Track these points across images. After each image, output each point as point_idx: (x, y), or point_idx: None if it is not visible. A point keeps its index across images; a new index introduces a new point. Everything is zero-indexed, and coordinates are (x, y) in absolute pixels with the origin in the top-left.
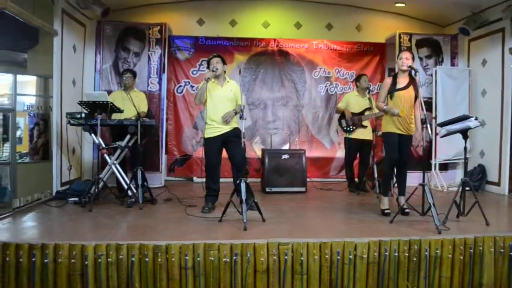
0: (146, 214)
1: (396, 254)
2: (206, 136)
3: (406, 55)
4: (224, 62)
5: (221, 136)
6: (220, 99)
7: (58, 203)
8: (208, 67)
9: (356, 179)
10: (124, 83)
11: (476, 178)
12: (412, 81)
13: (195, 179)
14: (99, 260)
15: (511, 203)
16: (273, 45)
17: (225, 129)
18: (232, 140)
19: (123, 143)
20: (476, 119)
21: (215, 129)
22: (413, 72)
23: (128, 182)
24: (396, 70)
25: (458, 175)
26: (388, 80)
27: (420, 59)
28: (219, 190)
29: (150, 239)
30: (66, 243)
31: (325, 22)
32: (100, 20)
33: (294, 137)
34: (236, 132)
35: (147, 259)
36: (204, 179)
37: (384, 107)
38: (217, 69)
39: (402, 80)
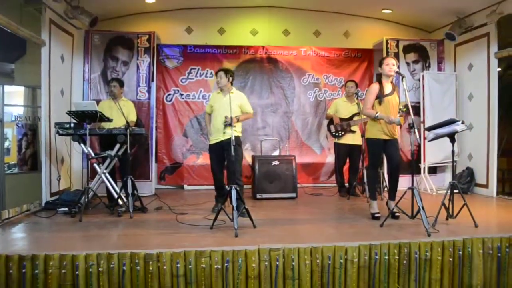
0: (136, 223)
1: (387, 257)
2: (209, 143)
3: (393, 61)
4: (228, 76)
5: (219, 143)
6: (222, 109)
7: (47, 214)
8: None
9: (346, 184)
10: (110, 92)
11: (465, 181)
12: (394, 87)
13: (185, 187)
14: (90, 269)
15: (499, 205)
16: (261, 53)
17: (223, 137)
18: (228, 148)
19: (112, 152)
20: (462, 122)
21: (215, 136)
22: (400, 77)
23: (118, 191)
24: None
25: (447, 178)
26: (376, 86)
27: (408, 64)
28: (223, 192)
29: (141, 248)
30: (57, 253)
31: (313, 29)
32: (88, 29)
33: (284, 143)
34: (236, 141)
35: (138, 267)
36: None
37: (377, 114)
38: (220, 83)
39: (387, 86)
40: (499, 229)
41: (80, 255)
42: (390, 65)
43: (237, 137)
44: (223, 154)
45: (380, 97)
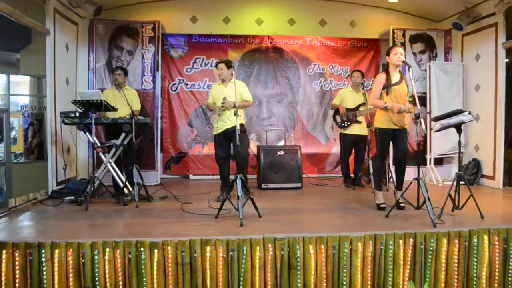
0: (142, 212)
1: (392, 247)
2: (214, 132)
3: (401, 50)
4: (228, 66)
5: (224, 132)
6: (222, 100)
7: (54, 202)
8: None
9: (352, 175)
10: (115, 81)
11: (471, 172)
12: (402, 76)
13: (191, 176)
14: (96, 257)
15: (505, 197)
16: (267, 42)
17: (227, 125)
18: (232, 135)
19: (118, 142)
20: (469, 113)
21: (219, 125)
22: (407, 67)
23: (124, 180)
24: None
25: (453, 169)
26: (382, 75)
27: (414, 54)
28: (228, 181)
29: (147, 236)
30: (63, 241)
31: (319, 18)
32: (92, 18)
33: (289, 134)
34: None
35: (143, 255)
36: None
37: (386, 104)
38: (222, 75)
39: (394, 75)
40: (505, 221)
41: (86, 243)
42: (398, 54)
43: (241, 125)
44: (229, 143)
45: (387, 86)
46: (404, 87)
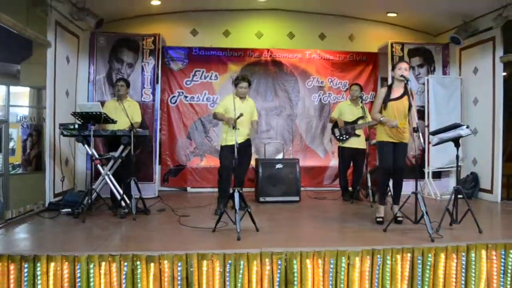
0: (139, 225)
1: (389, 262)
2: (223, 144)
3: (405, 65)
4: (250, 85)
5: (234, 145)
6: (244, 114)
7: (51, 214)
8: (234, 85)
9: (350, 188)
10: (117, 92)
11: (469, 186)
12: (407, 91)
13: (189, 189)
14: (91, 271)
15: (504, 211)
16: (266, 55)
17: (239, 139)
18: (241, 150)
19: (116, 154)
20: (467, 127)
21: (230, 138)
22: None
23: (121, 192)
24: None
25: (451, 183)
26: (382, 90)
27: (412, 68)
28: (229, 193)
29: (143, 250)
30: (58, 254)
31: (318, 32)
32: (93, 31)
33: (288, 147)
34: (247, 144)
35: (139, 269)
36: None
37: (381, 118)
38: (244, 94)
39: (397, 90)
40: (504, 235)
41: (82, 256)
42: (402, 70)
43: (249, 139)
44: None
45: (385, 101)
46: (404, 102)
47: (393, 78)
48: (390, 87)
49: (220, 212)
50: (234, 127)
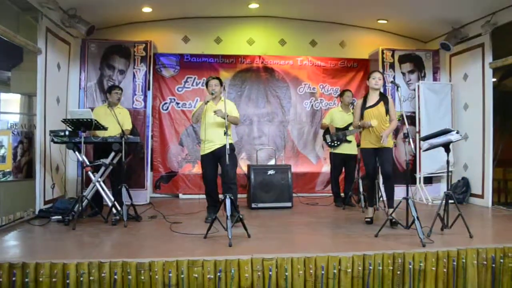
0: (130, 232)
1: (380, 268)
2: (201, 153)
3: (378, 75)
4: (221, 84)
5: (213, 152)
6: (213, 118)
7: (41, 222)
8: (206, 86)
9: (342, 194)
10: (112, 100)
11: (460, 191)
12: (382, 98)
13: (180, 195)
14: (81, 278)
15: (494, 216)
16: (258, 62)
17: (216, 145)
18: (222, 155)
19: (107, 161)
20: (457, 132)
21: (208, 145)
22: (395, 87)
23: (112, 199)
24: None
25: (442, 188)
26: (359, 101)
27: (403, 74)
28: (219, 201)
29: (134, 257)
30: (48, 261)
31: (309, 38)
32: (85, 38)
33: (280, 153)
34: (230, 147)
35: (130, 276)
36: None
37: (359, 123)
38: (215, 91)
39: (372, 98)
40: (494, 240)
41: (71, 264)
42: (376, 79)
43: (231, 144)
44: (217, 163)
45: (361, 110)
46: (380, 108)
47: (368, 87)
48: (365, 97)
49: (209, 220)
50: (225, 133)
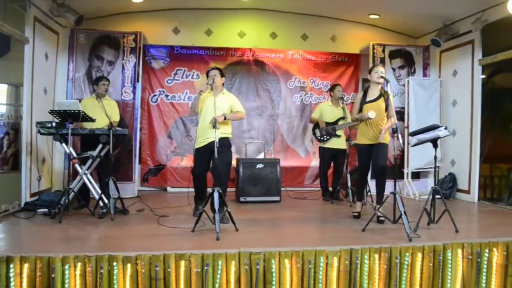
0: (117, 225)
1: (367, 262)
2: (196, 146)
3: (382, 69)
4: (222, 75)
5: (207, 145)
6: (212, 109)
7: (26, 215)
8: (207, 77)
9: (330, 188)
10: (99, 91)
11: (447, 186)
12: (383, 93)
13: (169, 189)
14: (67, 272)
15: (480, 211)
16: (248, 55)
17: (211, 139)
18: (219, 149)
19: (94, 153)
20: (445, 128)
21: (203, 139)
22: (385, 82)
23: (99, 192)
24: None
25: (430, 183)
26: (359, 94)
27: (393, 69)
28: (205, 196)
29: (121, 250)
30: (32, 255)
31: (301, 32)
32: (73, 28)
33: (269, 147)
34: (222, 142)
35: (116, 270)
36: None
37: (357, 116)
38: (213, 81)
39: (373, 93)
40: (480, 234)
41: (57, 257)
42: (379, 73)
43: (225, 139)
44: (210, 158)
45: (361, 104)
46: (380, 103)
47: (369, 81)
48: (366, 91)
49: (197, 214)
50: (214, 126)
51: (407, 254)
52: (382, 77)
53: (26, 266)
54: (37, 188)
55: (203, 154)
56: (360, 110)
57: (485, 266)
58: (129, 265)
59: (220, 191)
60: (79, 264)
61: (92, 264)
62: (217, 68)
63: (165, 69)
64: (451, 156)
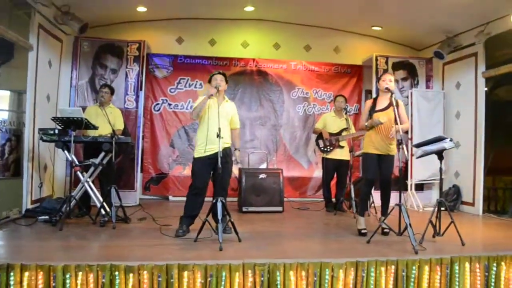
0: (119, 234)
1: (373, 274)
2: (197, 155)
3: (390, 77)
4: (226, 81)
5: (212, 155)
6: (217, 117)
7: (27, 222)
8: (209, 82)
9: (333, 199)
10: (100, 98)
11: (451, 199)
12: (393, 102)
13: (170, 198)
14: (68, 281)
15: (485, 223)
16: (252, 65)
17: (217, 148)
18: (222, 160)
19: (97, 161)
20: (451, 140)
21: (208, 147)
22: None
23: (101, 200)
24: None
25: (433, 195)
26: (369, 102)
27: (396, 81)
28: (198, 214)
29: (123, 259)
30: (33, 263)
31: (304, 43)
32: (77, 36)
33: (271, 157)
34: (227, 152)
35: (118, 280)
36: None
37: (366, 123)
38: (220, 86)
39: (382, 102)
40: (485, 247)
41: (58, 266)
42: (386, 81)
43: (229, 148)
44: (212, 170)
45: (370, 112)
46: (389, 113)
47: (378, 90)
48: (375, 99)
49: (181, 233)
50: (218, 136)
51: (414, 267)
52: (386, 88)
53: (26, 274)
54: (38, 195)
55: (207, 165)
56: (370, 118)
57: (493, 280)
58: (131, 274)
59: (224, 200)
60: (80, 273)
61: (94, 273)
62: (222, 73)
63: (168, 78)
64: (455, 168)
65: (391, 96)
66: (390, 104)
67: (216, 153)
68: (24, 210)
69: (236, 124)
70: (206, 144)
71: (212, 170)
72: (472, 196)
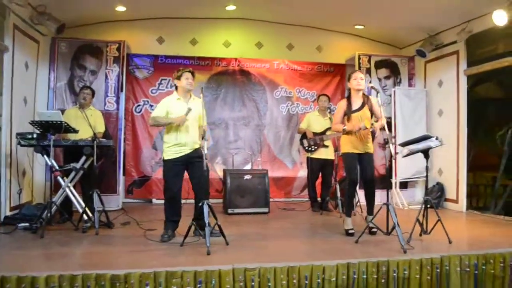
0: (103, 240)
1: (365, 276)
2: (167, 157)
3: (361, 75)
4: (194, 77)
5: (183, 157)
6: (189, 116)
7: (6, 229)
8: (178, 78)
9: (319, 199)
10: (81, 101)
11: (435, 196)
12: (366, 100)
13: (154, 201)
14: None
15: (469, 220)
16: (234, 65)
17: (187, 149)
18: (195, 161)
19: (78, 165)
20: (437, 138)
21: (177, 149)
22: (375, 93)
23: (83, 205)
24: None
25: (417, 193)
26: (343, 102)
27: (379, 79)
28: (181, 216)
29: (108, 267)
30: (14, 275)
31: (286, 42)
32: (55, 36)
33: (256, 157)
34: (198, 153)
35: None
36: (163, 201)
37: (344, 127)
38: (191, 87)
39: (356, 101)
40: (472, 245)
41: (41, 277)
42: (358, 80)
43: (200, 149)
44: (184, 170)
45: (347, 113)
46: (366, 111)
47: (349, 89)
48: (348, 99)
49: (167, 238)
50: (203, 137)
51: (405, 268)
52: (372, 87)
53: (8, 287)
54: (17, 201)
55: (179, 167)
56: (348, 119)
57: (482, 278)
58: (118, 284)
59: (210, 203)
60: (64, 284)
61: (79, 283)
62: (189, 71)
63: (149, 79)
64: (438, 166)
65: (377, 94)
66: (364, 104)
67: (184, 155)
68: (3, 218)
69: (204, 121)
70: (176, 145)
71: (183, 173)
72: (456, 193)
